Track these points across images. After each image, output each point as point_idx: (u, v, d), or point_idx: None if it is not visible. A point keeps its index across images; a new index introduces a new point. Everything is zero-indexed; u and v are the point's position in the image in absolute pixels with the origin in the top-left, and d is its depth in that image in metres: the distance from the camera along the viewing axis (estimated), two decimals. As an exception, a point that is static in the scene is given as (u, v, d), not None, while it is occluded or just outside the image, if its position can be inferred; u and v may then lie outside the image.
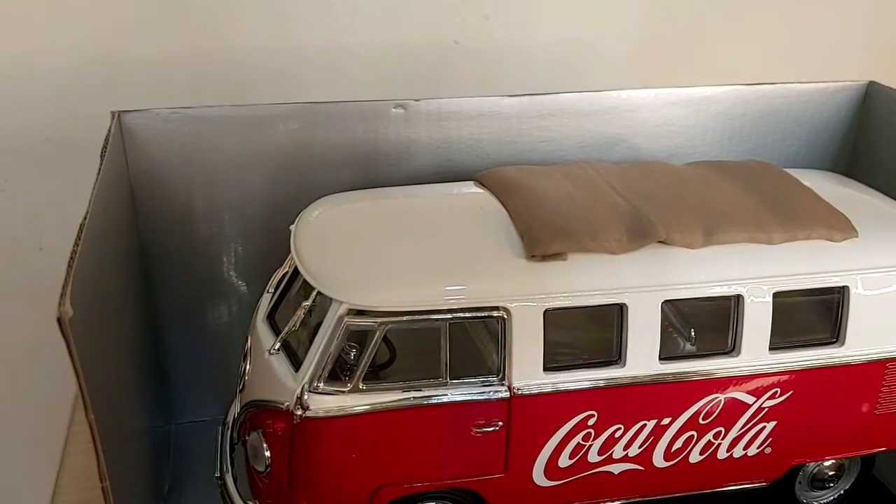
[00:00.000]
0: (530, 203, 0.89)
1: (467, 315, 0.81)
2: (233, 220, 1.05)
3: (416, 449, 0.84)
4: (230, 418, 0.95)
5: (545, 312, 0.82)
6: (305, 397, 0.81)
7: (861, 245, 0.89)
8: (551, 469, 0.87)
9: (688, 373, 0.87)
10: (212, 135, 1.00)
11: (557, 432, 0.86)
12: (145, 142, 0.99)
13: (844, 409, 0.92)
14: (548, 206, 0.88)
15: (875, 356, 0.91)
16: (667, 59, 1.39)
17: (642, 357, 0.85)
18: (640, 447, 0.89)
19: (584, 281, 0.83)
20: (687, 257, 0.85)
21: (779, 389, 0.89)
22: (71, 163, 1.17)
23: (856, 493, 1.01)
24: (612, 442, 0.88)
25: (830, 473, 0.99)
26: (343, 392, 0.81)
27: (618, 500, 0.92)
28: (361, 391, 0.81)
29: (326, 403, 0.81)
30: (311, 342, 0.83)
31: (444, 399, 0.82)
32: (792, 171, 1.00)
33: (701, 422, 0.89)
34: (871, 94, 1.14)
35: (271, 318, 0.91)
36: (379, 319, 0.80)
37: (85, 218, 0.74)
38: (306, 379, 0.81)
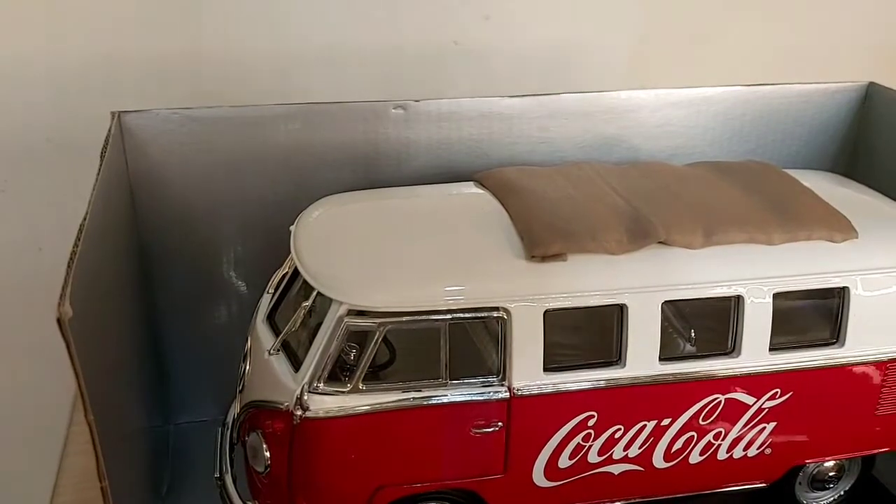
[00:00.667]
0: (530, 204, 0.89)
1: (467, 315, 0.81)
2: (233, 220, 1.05)
3: (415, 449, 0.84)
4: (230, 419, 0.95)
5: (545, 313, 0.82)
6: (305, 398, 0.81)
7: (861, 246, 0.89)
8: (551, 469, 0.87)
9: (688, 373, 0.87)
10: (212, 135, 1.00)
11: (557, 433, 0.86)
12: (145, 142, 0.99)
13: (844, 409, 0.92)
14: (548, 207, 0.88)
15: (875, 357, 0.91)
16: (667, 59, 1.39)
17: (642, 358, 0.85)
18: (640, 448, 0.89)
19: (584, 281, 0.83)
20: (687, 258, 0.85)
21: (779, 390, 0.89)
22: (71, 163, 1.17)
23: (856, 494, 1.01)
24: (612, 442, 0.88)
25: (830, 474, 0.99)
26: (343, 392, 0.81)
27: (618, 500, 0.92)
28: (361, 392, 0.81)
29: (326, 404, 0.81)
30: (310, 343, 0.83)
31: (444, 399, 0.82)
32: (792, 172, 1.00)
33: (701, 422, 0.89)
34: (870, 95, 1.14)
35: (271, 318, 0.91)
36: (379, 320, 0.80)
37: (85, 218, 0.74)
38: (306, 379, 0.81)
